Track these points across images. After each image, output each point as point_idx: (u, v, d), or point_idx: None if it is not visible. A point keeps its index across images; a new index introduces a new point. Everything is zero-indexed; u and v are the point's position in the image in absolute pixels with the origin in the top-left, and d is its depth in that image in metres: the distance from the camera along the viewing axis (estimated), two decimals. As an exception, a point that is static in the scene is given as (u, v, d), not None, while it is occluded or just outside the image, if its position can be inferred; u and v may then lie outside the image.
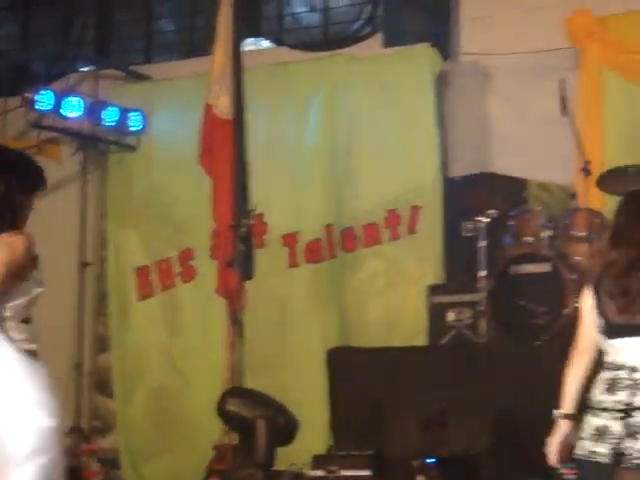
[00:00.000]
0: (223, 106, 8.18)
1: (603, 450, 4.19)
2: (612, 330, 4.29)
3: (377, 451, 7.04)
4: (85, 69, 10.88)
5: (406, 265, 8.98)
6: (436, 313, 8.16)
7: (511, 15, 9.22)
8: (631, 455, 4.14)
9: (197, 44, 10.71)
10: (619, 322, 4.27)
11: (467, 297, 7.97)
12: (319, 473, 7.09)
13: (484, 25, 9.27)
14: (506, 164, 8.90)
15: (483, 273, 7.75)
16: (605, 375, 4.29)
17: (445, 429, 6.66)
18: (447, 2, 9.57)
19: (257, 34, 10.57)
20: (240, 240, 7.74)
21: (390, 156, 9.10)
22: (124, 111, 9.91)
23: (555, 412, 4.37)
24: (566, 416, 4.37)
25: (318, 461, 7.19)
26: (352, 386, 7.60)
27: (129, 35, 11.33)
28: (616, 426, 4.19)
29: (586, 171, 7.67)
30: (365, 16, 10.19)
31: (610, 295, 4.28)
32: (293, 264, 9.36)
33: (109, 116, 9.87)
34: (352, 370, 7.72)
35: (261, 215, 9.04)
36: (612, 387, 4.25)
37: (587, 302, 4.37)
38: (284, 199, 9.35)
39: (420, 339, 8.29)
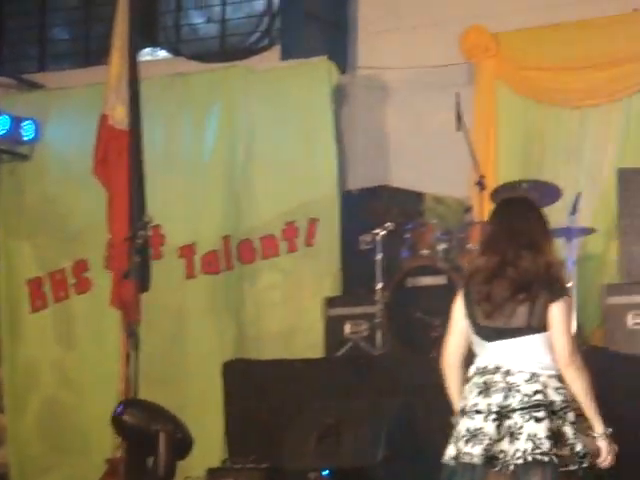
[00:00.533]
0: (119, 117, 8.09)
1: (475, 451, 4.21)
2: (484, 334, 4.35)
3: (273, 464, 7.01)
4: (-25, 76, 10.68)
5: (303, 277, 8.99)
6: (333, 325, 8.18)
7: (409, 30, 9.31)
8: (507, 458, 4.18)
9: (92, 53, 10.60)
10: (491, 325, 4.33)
11: (364, 309, 7.99)
12: (214, 486, 7.04)
13: (382, 39, 9.35)
14: (403, 177, 8.99)
15: (380, 285, 7.77)
16: (478, 379, 4.34)
17: (340, 441, 6.65)
18: (345, 16, 9.63)
19: (154, 44, 10.50)
20: (136, 251, 7.66)
21: (288, 168, 9.12)
22: (16, 120, 9.75)
23: (453, 419, 4.40)
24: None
25: (213, 474, 7.14)
26: (248, 398, 7.56)
27: (22, 42, 11.15)
28: (489, 428, 4.22)
29: (481, 185, 7.78)
30: (263, 28, 10.21)
31: (476, 301, 4.36)
32: (190, 275, 9.31)
33: (0, 125, 9.70)
34: (248, 382, 7.68)
35: (158, 226, 8.96)
36: (486, 390, 4.30)
37: (458, 307, 4.45)
38: (181, 210, 9.29)
39: (317, 351, 8.30)
